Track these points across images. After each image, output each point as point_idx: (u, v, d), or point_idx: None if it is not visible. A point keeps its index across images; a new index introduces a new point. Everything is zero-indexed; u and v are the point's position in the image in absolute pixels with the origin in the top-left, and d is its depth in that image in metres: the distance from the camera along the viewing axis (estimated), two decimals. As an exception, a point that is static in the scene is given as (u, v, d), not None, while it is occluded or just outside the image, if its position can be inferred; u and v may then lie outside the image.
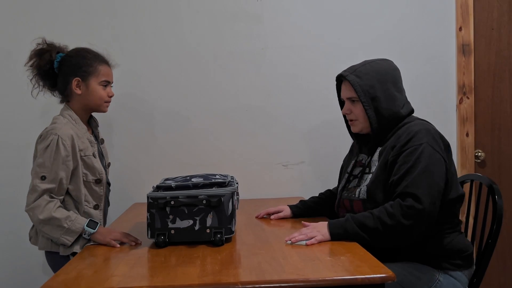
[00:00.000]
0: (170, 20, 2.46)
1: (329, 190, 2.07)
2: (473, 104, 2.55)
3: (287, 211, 1.96)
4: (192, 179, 1.65)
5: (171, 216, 1.55)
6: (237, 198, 1.66)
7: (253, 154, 2.52)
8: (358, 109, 1.73)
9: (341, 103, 1.87)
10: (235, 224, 1.62)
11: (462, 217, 2.42)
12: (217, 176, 1.71)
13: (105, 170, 1.91)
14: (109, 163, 2.05)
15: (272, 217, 1.96)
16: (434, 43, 2.52)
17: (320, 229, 1.57)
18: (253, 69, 2.49)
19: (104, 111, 1.93)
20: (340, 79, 1.81)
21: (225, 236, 1.55)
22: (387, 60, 1.78)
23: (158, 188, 1.61)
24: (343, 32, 2.49)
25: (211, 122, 2.50)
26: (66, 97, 1.87)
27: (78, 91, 1.83)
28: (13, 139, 2.42)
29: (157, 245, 1.55)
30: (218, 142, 2.50)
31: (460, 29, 2.52)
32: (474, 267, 1.73)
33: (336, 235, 1.55)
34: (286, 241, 1.56)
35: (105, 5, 2.43)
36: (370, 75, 1.69)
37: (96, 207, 1.84)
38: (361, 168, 1.80)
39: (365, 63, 1.74)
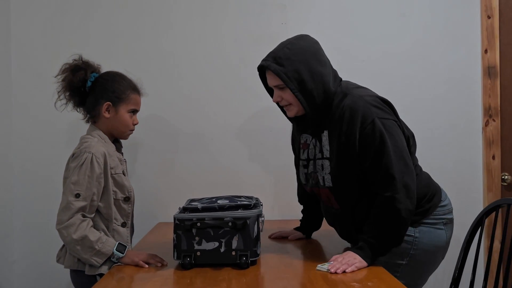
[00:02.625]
0: (194, 43, 2.51)
1: (299, 192, 2.06)
2: (499, 127, 2.52)
3: (301, 234, 2.01)
4: (218, 201, 1.66)
5: (197, 238, 1.56)
6: (262, 221, 1.66)
7: (277, 175, 2.52)
8: (288, 95, 1.66)
9: (269, 90, 1.80)
10: (260, 246, 1.62)
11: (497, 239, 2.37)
12: (243, 198, 1.72)
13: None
14: None
15: (290, 237, 2.00)
16: (459, 66, 2.52)
17: (355, 256, 1.55)
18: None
19: (125, 139, 1.94)
20: (263, 69, 1.72)
21: (250, 259, 1.56)
22: (303, 36, 1.70)
23: (184, 209, 1.63)
24: (367, 54, 2.50)
25: (235, 143, 2.52)
26: (92, 117, 1.89)
27: (107, 115, 1.85)
28: (42, 158, 2.48)
29: (182, 267, 1.56)
30: (241, 162, 2.52)
31: (486, 51, 2.51)
32: (446, 199, 1.74)
33: (370, 259, 1.55)
34: (328, 269, 1.51)
35: (130, 27, 2.49)
36: (291, 59, 1.61)
37: (123, 224, 1.85)
38: (307, 151, 1.79)
39: (283, 47, 1.64)
